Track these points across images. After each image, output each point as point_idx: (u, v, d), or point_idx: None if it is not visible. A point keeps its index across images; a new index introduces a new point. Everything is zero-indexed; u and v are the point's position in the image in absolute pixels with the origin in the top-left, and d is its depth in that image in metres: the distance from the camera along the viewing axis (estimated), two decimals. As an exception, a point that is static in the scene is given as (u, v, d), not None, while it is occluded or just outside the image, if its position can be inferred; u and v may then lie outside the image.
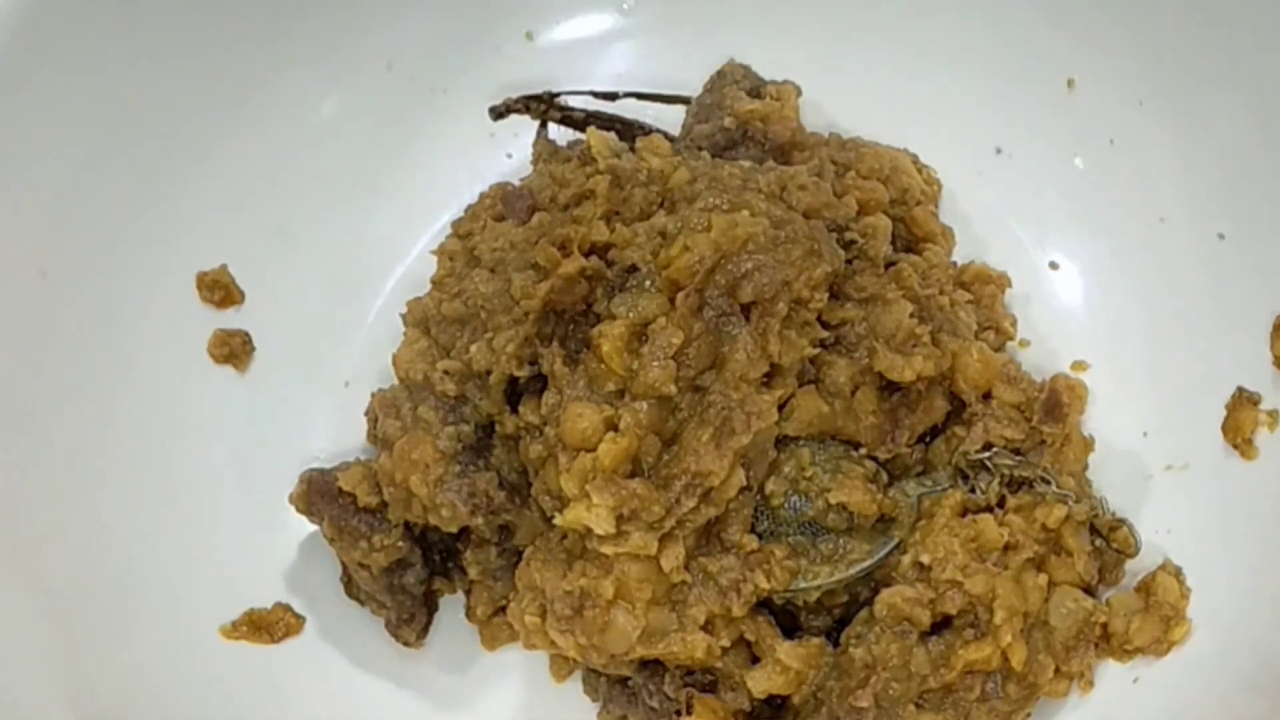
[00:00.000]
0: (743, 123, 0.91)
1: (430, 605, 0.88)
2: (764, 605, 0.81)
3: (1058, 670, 0.80)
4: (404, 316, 0.89)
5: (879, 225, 0.86)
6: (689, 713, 0.80)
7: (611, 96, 0.98)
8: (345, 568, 0.88)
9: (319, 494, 0.85)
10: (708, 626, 0.79)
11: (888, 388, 0.83)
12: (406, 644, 0.88)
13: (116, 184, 0.89)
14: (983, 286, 0.90)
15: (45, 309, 0.86)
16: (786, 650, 0.79)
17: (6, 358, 0.84)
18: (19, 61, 0.83)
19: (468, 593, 0.88)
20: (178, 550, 0.88)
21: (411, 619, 0.87)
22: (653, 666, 0.81)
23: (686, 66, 0.97)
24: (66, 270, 0.87)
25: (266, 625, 0.88)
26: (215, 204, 0.93)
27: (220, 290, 0.93)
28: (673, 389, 0.77)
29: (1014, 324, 0.91)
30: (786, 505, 0.80)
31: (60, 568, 0.83)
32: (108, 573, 0.85)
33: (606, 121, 0.97)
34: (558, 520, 0.78)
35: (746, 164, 0.87)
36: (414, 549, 0.85)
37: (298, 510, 0.86)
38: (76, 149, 0.87)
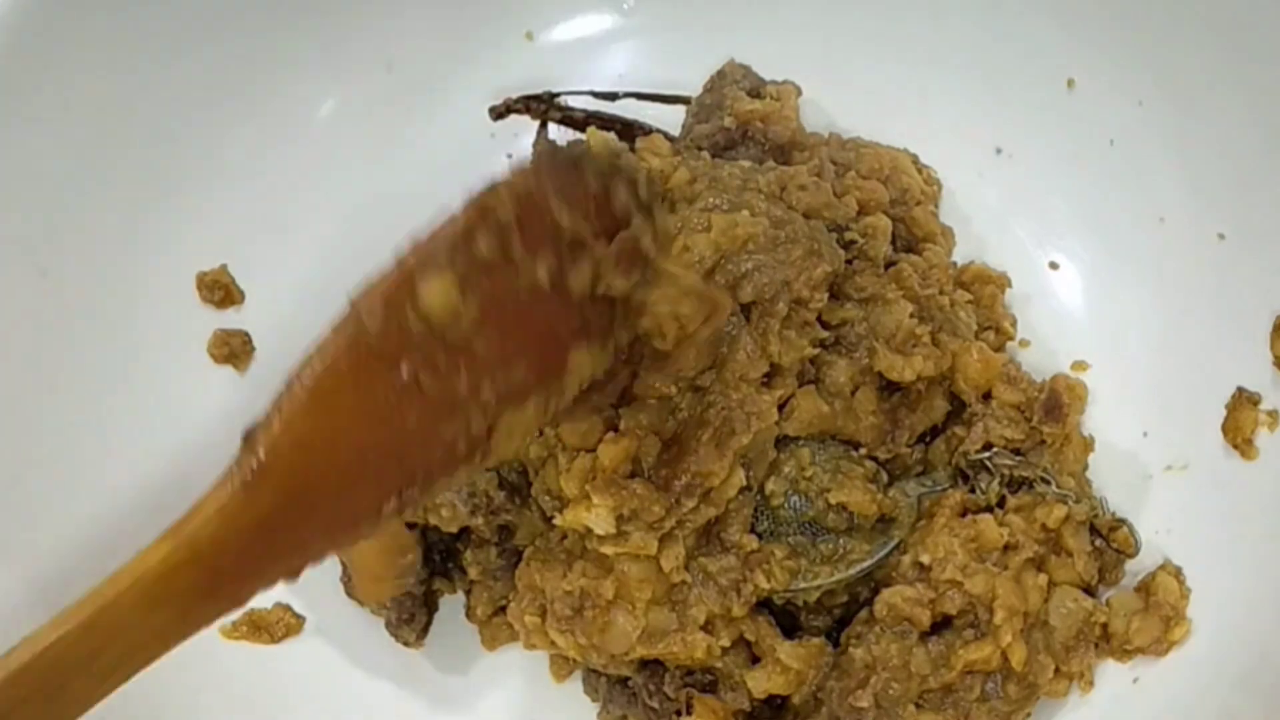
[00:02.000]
0: (743, 123, 0.91)
1: (430, 605, 0.88)
2: (764, 605, 0.81)
3: (1058, 670, 0.80)
4: (404, 316, 0.89)
5: (879, 225, 0.86)
6: (689, 713, 0.80)
7: (611, 96, 0.98)
8: (345, 568, 0.88)
9: (319, 494, 0.84)
10: (708, 626, 0.78)
11: (888, 388, 0.83)
12: (406, 644, 0.88)
13: (116, 184, 0.88)
14: (983, 286, 0.90)
15: (45, 309, 0.86)
16: (786, 650, 0.79)
17: (6, 358, 0.84)
18: (19, 61, 0.83)
19: (468, 593, 0.88)
20: (178, 550, 0.88)
21: (411, 619, 0.87)
22: (653, 666, 0.81)
23: (686, 66, 0.96)
24: (66, 270, 0.86)
25: (266, 625, 0.88)
26: (215, 204, 0.93)
27: (220, 290, 0.93)
28: (672, 389, 0.77)
29: (1014, 324, 0.91)
30: (786, 505, 0.80)
31: (60, 568, 0.83)
32: (108, 573, 0.85)
33: (606, 121, 0.97)
34: (558, 520, 0.78)
35: (746, 164, 0.87)
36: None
37: (298, 510, 0.85)
38: (77, 148, 0.86)
